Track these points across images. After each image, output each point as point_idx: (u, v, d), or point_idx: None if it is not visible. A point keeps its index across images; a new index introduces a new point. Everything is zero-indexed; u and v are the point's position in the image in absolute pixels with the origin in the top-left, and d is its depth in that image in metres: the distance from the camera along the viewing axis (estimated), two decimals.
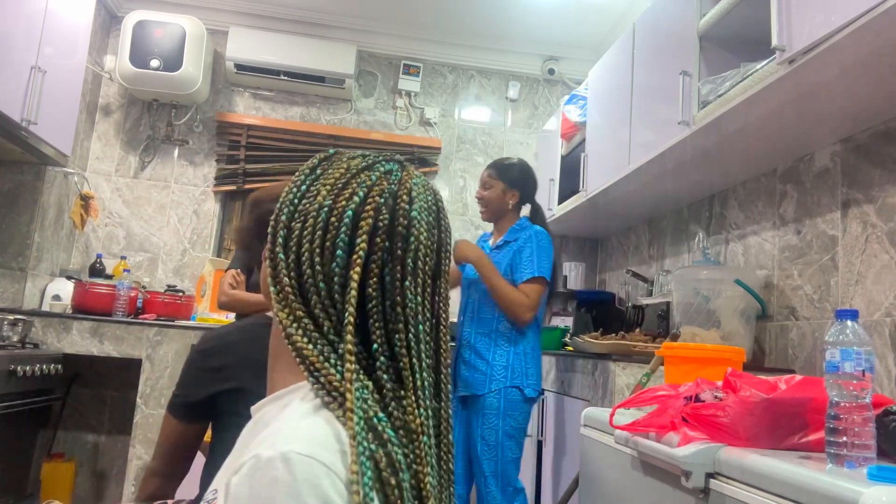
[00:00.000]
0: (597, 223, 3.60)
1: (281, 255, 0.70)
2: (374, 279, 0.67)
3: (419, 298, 0.69)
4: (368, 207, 0.68)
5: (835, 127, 1.94)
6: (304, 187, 0.72)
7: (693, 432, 1.16)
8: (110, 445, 3.41)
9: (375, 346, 0.66)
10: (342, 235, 0.67)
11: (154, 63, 3.42)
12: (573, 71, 4.04)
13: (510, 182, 2.42)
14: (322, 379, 0.64)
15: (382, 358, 0.66)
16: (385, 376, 0.65)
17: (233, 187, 3.78)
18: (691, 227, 2.90)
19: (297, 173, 0.74)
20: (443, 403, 0.71)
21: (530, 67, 4.11)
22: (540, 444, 2.70)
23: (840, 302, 1.95)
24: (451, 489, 0.70)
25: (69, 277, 3.31)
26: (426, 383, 0.67)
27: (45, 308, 3.18)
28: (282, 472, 0.56)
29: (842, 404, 0.95)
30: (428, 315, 0.70)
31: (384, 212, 0.68)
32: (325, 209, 0.69)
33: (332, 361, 0.64)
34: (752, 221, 2.46)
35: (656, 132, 2.35)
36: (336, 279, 0.67)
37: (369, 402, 0.62)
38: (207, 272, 3.53)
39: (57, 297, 3.19)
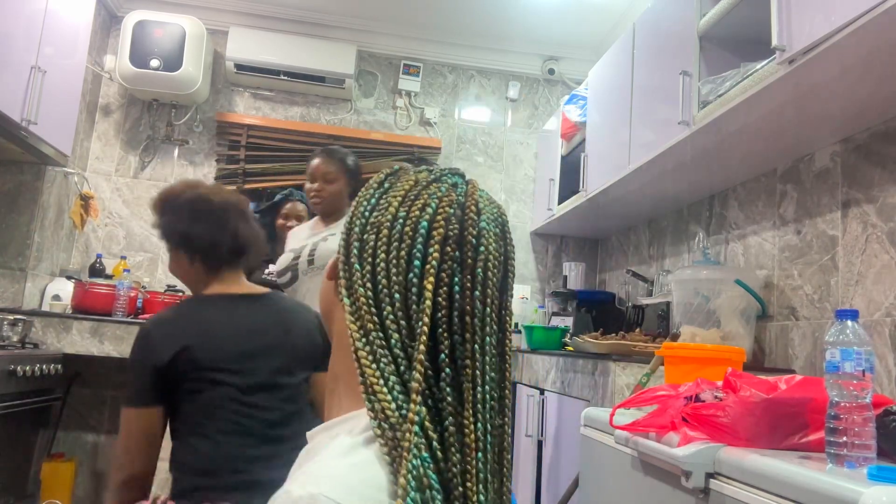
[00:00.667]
0: (597, 223, 3.60)
1: (357, 266, 0.69)
2: (445, 288, 0.66)
3: (487, 310, 0.68)
4: (440, 217, 0.68)
5: (835, 127, 1.94)
6: (373, 200, 0.72)
7: (693, 432, 1.17)
8: (110, 445, 3.41)
9: (442, 355, 0.65)
10: (418, 245, 0.67)
11: (154, 63, 3.42)
12: (573, 71, 4.04)
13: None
14: (377, 405, 0.62)
15: (447, 369, 0.64)
16: (448, 388, 0.64)
17: (233, 187, 3.77)
18: (691, 227, 2.90)
19: (365, 188, 0.75)
20: (507, 420, 0.69)
21: (530, 67, 4.11)
22: (540, 444, 2.70)
23: (840, 302, 1.95)
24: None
25: (69, 277, 3.31)
26: (488, 397, 0.66)
27: (45, 308, 3.18)
28: None
29: (842, 404, 0.95)
30: (495, 328, 0.69)
31: (454, 222, 0.69)
32: (400, 220, 0.69)
33: (391, 384, 0.63)
34: (752, 221, 2.46)
35: (656, 132, 2.35)
36: (413, 289, 0.66)
37: (420, 442, 0.60)
38: None
39: (57, 297, 3.19)
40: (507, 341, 0.72)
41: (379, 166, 3.89)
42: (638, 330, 2.65)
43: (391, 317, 0.66)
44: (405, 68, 3.97)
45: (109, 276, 3.40)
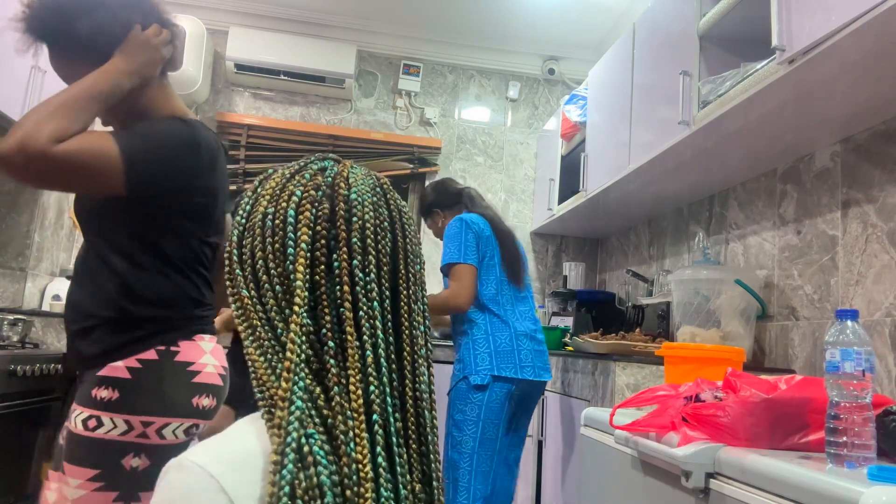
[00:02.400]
0: (597, 223, 3.60)
1: (238, 271, 0.71)
2: (322, 266, 0.68)
3: (372, 275, 0.68)
4: (304, 202, 0.70)
5: (835, 127, 1.94)
6: (248, 207, 0.73)
7: (693, 432, 1.17)
8: None
9: (324, 329, 0.66)
10: (289, 234, 0.68)
11: None
12: (573, 71, 4.04)
13: (427, 212, 2.58)
14: (266, 393, 0.63)
15: (330, 342, 0.65)
16: (332, 360, 0.64)
17: (233, 187, 3.78)
18: (691, 227, 2.90)
19: (241, 196, 0.76)
20: (409, 384, 0.68)
21: (530, 67, 4.11)
22: (540, 444, 2.70)
23: (840, 302, 1.95)
24: (430, 469, 0.66)
25: (69, 277, 3.31)
26: (382, 361, 0.66)
27: (45, 308, 3.18)
28: (171, 478, 0.59)
29: (842, 404, 0.96)
30: (387, 294, 0.70)
31: (324, 202, 0.70)
32: (269, 216, 0.70)
33: (279, 373, 0.64)
34: (752, 221, 2.46)
35: (656, 132, 2.35)
36: (292, 276, 0.67)
37: (304, 416, 0.61)
38: None
39: (57, 297, 3.20)
40: (413, 305, 0.72)
41: (379, 166, 3.89)
42: (638, 330, 2.65)
43: (275, 308, 0.67)
44: (405, 68, 3.97)
45: None
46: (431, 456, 0.67)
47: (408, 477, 0.64)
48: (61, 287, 3.23)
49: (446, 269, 2.27)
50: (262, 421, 0.63)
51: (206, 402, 1.25)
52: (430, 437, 0.68)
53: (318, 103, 3.92)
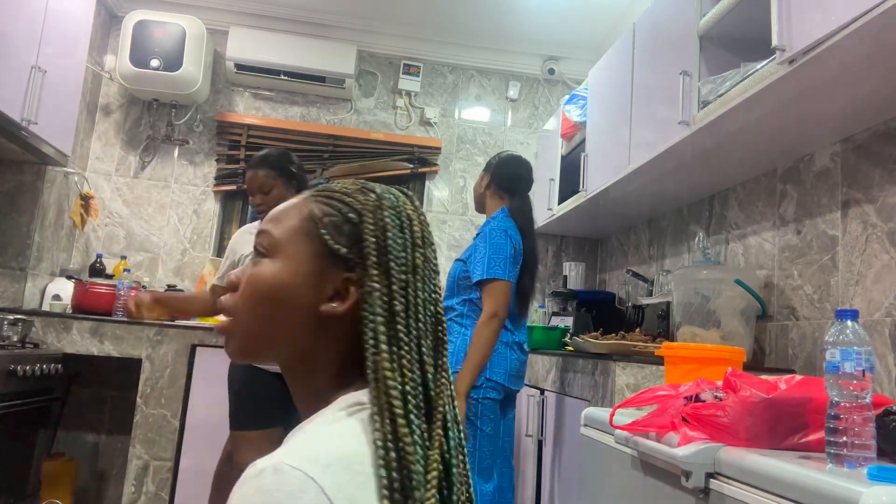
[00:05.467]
0: (597, 223, 3.60)
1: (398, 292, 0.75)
2: None
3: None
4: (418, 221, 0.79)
5: (835, 127, 1.94)
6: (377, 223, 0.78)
7: (693, 432, 1.16)
8: (110, 445, 3.41)
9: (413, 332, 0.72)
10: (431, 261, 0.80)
11: (154, 63, 3.42)
12: (573, 71, 4.04)
13: (486, 167, 2.51)
14: (381, 384, 0.67)
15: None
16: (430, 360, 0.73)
17: (233, 187, 3.78)
18: (691, 227, 2.90)
19: (382, 228, 0.75)
20: (432, 374, 0.70)
21: (530, 67, 4.11)
22: (540, 444, 2.70)
23: (840, 302, 1.95)
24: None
25: (69, 277, 3.31)
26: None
27: (45, 308, 3.18)
28: (267, 482, 0.57)
29: (842, 404, 0.95)
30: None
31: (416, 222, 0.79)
32: (405, 227, 0.77)
33: (412, 399, 0.67)
34: (752, 221, 2.46)
35: (656, 132, 2.35)
36: (432, 306, 0.77)
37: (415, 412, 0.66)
38: (207, 272, 3.53)
39: (57, 297, 3.19)
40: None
41: (379, 166, 3.90)
42: (638, 330, 2.64)
43: (420, 329, 0.71)
44: (405, 68, 3.97)
45: (110, 276, 3.40)
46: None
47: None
48: (61, 287, 3.24)
49: (485, 282, 2.23)
50: (351, 420, 0.64)
51: None
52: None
53: (318, 103, 3.92)
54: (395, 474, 0.61)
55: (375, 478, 0.60)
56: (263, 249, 0.75)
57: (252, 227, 2.48)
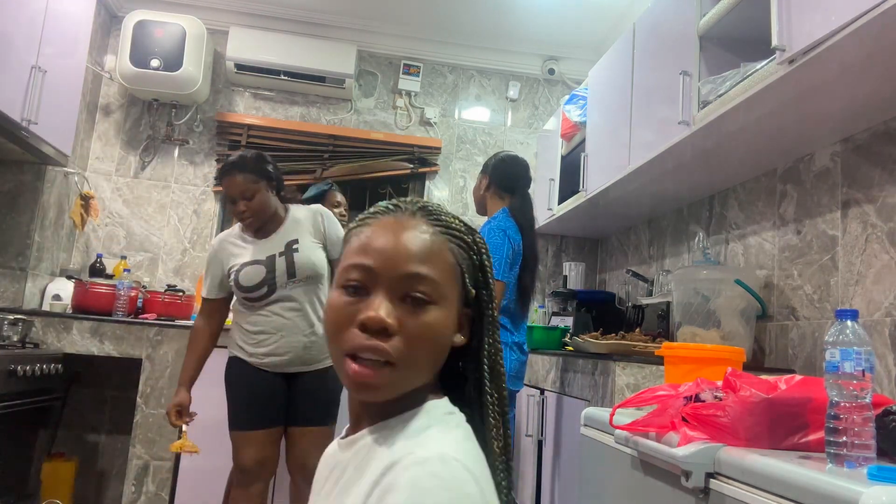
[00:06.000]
0: (597, 223, 3.60)
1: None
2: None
3: None
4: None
5: (835, 127, 1.94)
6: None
7: (693, 432, 1.17)
8: (110, 445, 3.41)
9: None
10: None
11: (154, 63, 3.42)
12: (573, 71, 4.04)
13: (484, 169, 2.53)
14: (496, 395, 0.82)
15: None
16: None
17: None
18: (691, 227, 2.90)
19: (471, 244, 0.81)
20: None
21: (530, 67, 4.11)
22: (540, 444, 2.70)
23: (840, 302, 1.95)
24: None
25: (69, 277, 3.31)
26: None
27: (46, 308, 3.18)
28: (437, 469, 0.64)
29: (842, 404, 0.96)
30: None
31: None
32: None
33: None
34: (752, 221, 2.46)
35: (656, 132, 2.35)
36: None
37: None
38: None
39: (57, 297, 3.19)
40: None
41: (379, 166, 3.90)
42: (638, 330, 2.64)
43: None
44: (405, 68, 3.97)
45: (110, 276, 3.40)
46: None
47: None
48: (61, 287, 3.23)
49: None
50: (462, 429, 0.74)
51: None
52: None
53: (318, 103, 3.92)
54: (502, 474, 0.76)
55: (492, 475, 0.73)
56: (427, 297, 0.73)
57: (233, 236, 2.34)
